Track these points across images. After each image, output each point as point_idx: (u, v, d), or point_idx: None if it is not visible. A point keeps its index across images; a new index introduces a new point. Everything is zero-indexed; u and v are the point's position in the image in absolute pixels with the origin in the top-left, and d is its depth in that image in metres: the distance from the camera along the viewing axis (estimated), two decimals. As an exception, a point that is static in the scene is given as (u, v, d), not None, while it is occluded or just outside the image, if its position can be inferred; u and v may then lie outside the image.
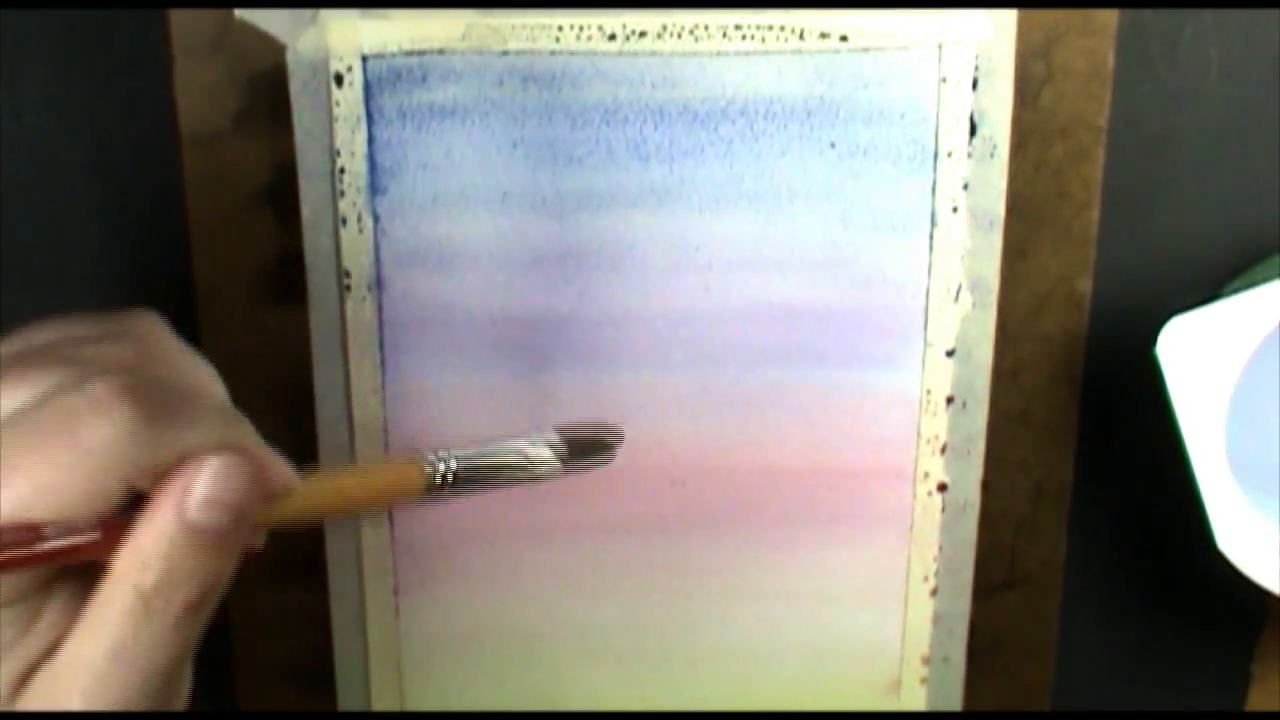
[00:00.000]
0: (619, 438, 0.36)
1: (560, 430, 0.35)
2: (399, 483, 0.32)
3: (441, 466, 0.33)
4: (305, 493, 0.30)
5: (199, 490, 0.27)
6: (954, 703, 0.51)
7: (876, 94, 0.44)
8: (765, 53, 0.44)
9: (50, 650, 0.28)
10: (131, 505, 0.28)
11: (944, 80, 0.44)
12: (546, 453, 0.35)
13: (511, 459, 0.34)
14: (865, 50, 0.44)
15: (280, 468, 0.29)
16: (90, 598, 0.28)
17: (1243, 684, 0.53)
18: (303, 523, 0.31)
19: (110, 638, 0.27)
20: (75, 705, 0.27)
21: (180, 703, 0.29)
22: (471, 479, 0.33)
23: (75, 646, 0.27)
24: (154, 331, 0.30)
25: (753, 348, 0.47)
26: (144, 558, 0.27)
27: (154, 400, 0.27)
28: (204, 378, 0.30)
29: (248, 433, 0.29)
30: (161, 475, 0.27)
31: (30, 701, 0.28)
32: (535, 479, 0.34)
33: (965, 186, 0.45)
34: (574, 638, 0.50)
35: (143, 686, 0.27)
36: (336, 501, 0.32)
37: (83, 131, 0.45)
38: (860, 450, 0.48)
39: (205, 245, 0.45)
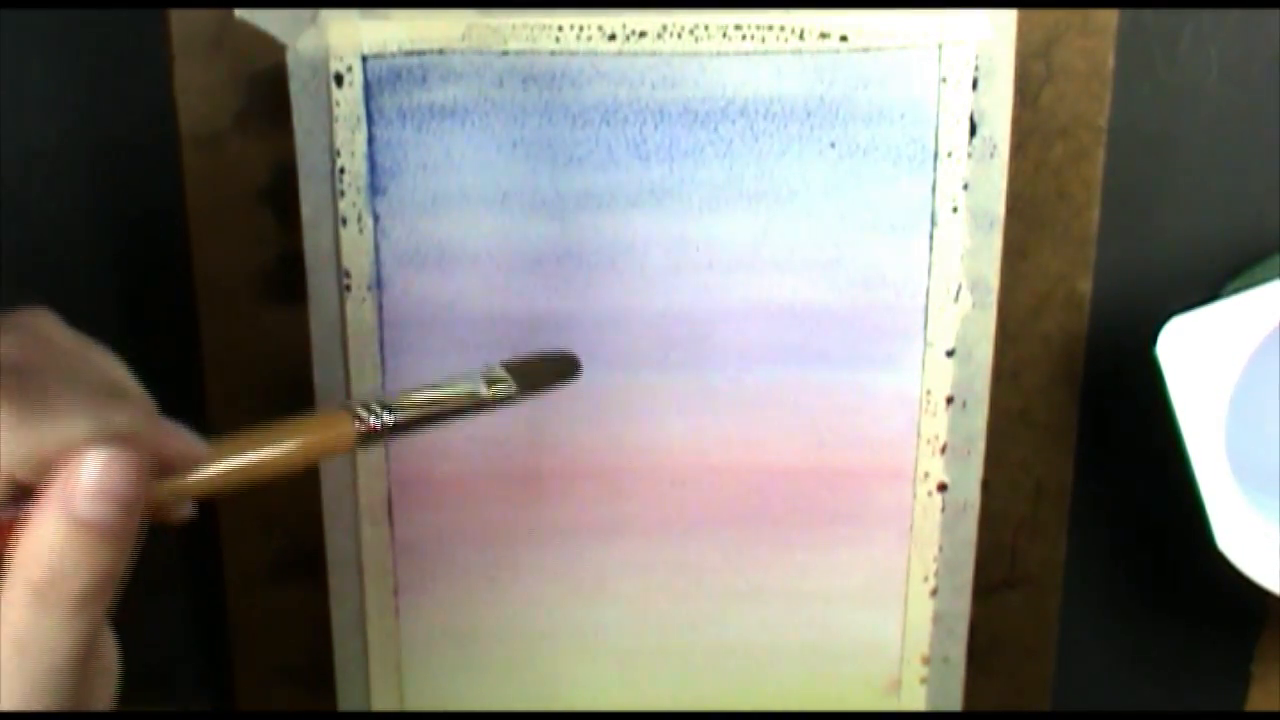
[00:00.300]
0: (572, 363, 0.37)
1: (506, 363, 0.36)
2: (330, 439, 0.33)
3: (373, 420, 0.33)
4: (225, 459, 0.31)
5: (83, 484, 0.28)
6: (954, 703, 0.51)
7: (876, 94, 0.44)
8: (765, 53, 0.44)
9: None
10: (21, 498, 0.28)
11: (944, 80, 0.44)
12: (495, 384, 0.35)
13: (455, 396, 0.35)
14: (865, 50, 0.44)
15: (182, 443, 0.30)
16: None
17: (1243, 684, 0.53)
18: (232, 488, 0.32)
19: (8, 632, 0.27)
20: None
21: (101, 696, 0.30)
22: (411, 424, 0.34)
23: None
24: (40, 325, 0.31)
25: (753, 348, 0.47)
26: (34, 552, 0.28)
27: (26, 394, 0.28)
28: (98, 366, 0.31)
29: (140, 415, 0.29)
30: (44, 467, 0.28)
31: None
32: (484, 408, 0.35)
33: (965, 186, 0.45)
34: (574, 638, 0.50)
35: (46, 678, 0.28)
36: (263, 465, 0.32)
37: (83, 131, 0.45)
38: (860, 450, 0.48)
39: (205, 245, 0.45)
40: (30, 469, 0.28)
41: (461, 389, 0.35)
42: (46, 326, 0.31)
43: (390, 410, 0.33)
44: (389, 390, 0.35)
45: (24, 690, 0.28)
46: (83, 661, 0.29)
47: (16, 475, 0.28)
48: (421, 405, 0.34)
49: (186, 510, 0.32)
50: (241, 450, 0.32)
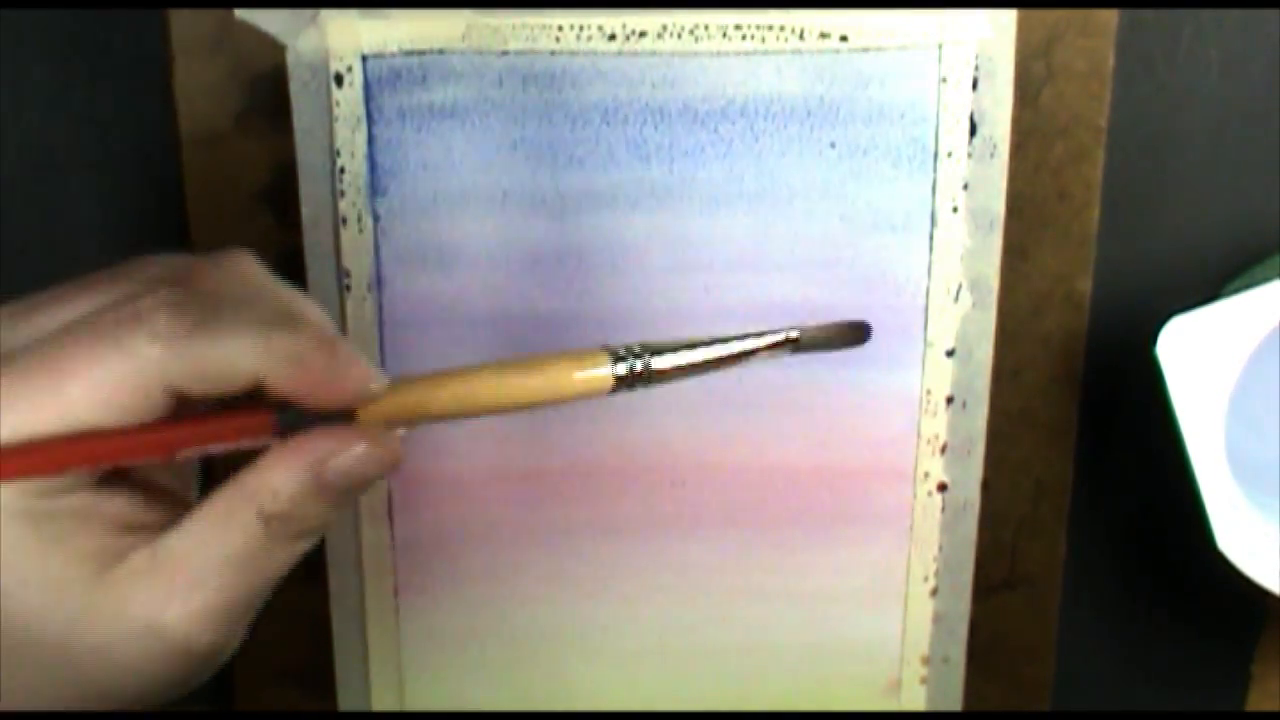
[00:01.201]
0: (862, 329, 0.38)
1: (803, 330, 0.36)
2: (581, 383, 0.33)
3: (626, 368, 0.33)
4: (460, 388, 0.32)
5: (341, 462, 0.31)
6: (954, 703, 0.51)
7: (876, 94, 0.44)
8: (765, 53, 0.44)
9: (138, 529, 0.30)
10: (180, 408, 0.30)
11: (944, 80, 0.44)
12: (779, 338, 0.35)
13: (730, 349, 0.35)
14: (865, 50, 0.44)
15: (358, 372, 0.31)
16: (206, 505, 0.30)
17: (1243, 684, 0.53)
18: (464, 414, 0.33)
19: (227, 544, 0.30)
20: (171, 595, 0.30)
21: (241, 632, 0.32)
22: (678, 373, 0.34)
23: (187, 543, 0.30)
24: (234, 261, 0.32)
25: (753, 348, 0.47)
26: (274, 488, 0.30)
27: (195, 311, 0.29)
28: (280, 298, 0.32)
29: (309, 344, 0.30)
30: (206, 381, 0.29)
31: (119, 581, 0.29)
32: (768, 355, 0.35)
33: (965, 186, 0.45)
34: (574, 638, 0.50)
35: (245, 593, 0.31)
36: (505, 398, 0.33)
37: (83, 131, 0.45)
38: (860, 450, 0.48)
39: (205, 245, 0.45)
40: (192, 380, 0.29)
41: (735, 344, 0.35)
42: (240, 262, 0.33)
43: (654, 353, 0.33)
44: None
45: (226, 600, 0.30)
46: (271, 590, 0.31)
47: (177, 384, 0.29)
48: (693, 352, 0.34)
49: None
50: (485, 380, 0.33)
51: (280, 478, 0.30)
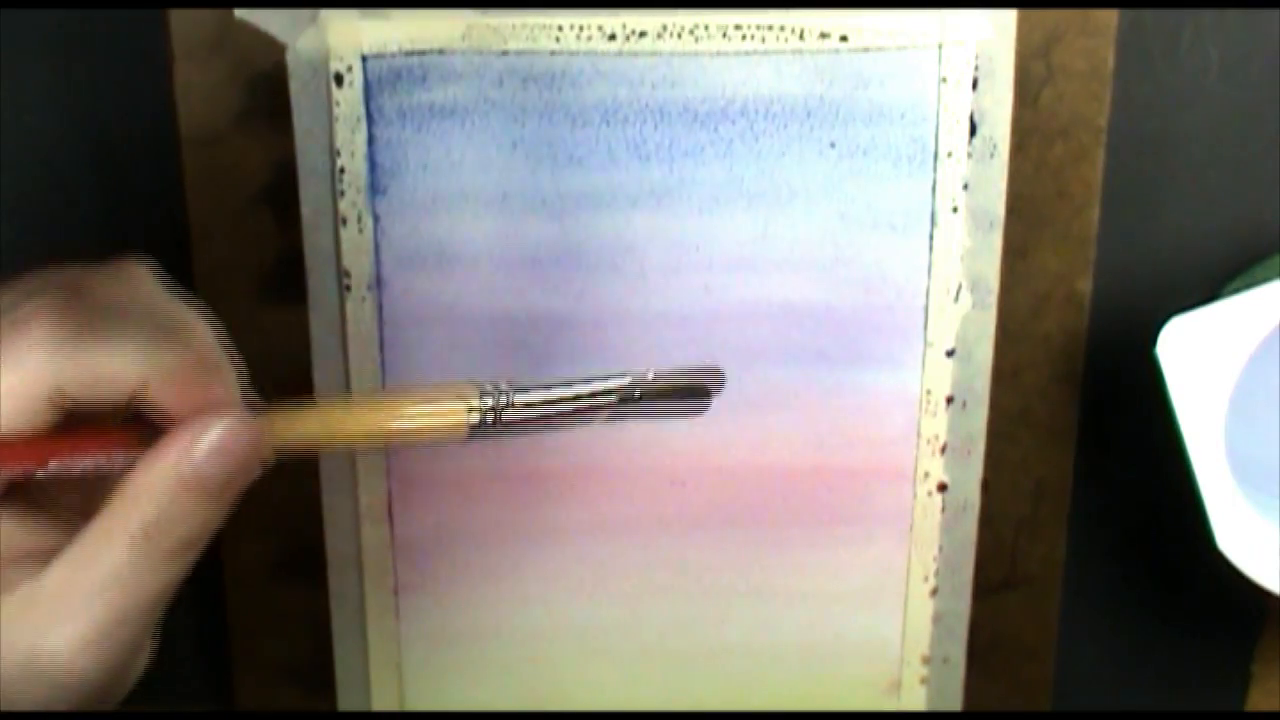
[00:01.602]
0: (717, 380, 0.37)
1: (656, 374, 0.36)
2: (439, 427, 0.33)
3: (490, 413, 0.33)
4: (317, 423, 0.32)
5: (202, 446, 0.30)
6: (954, 703, 0.51)
7: (876, 94, 0.44)
8: (765, 53, 0.44)
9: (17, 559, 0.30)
10: (67, 413, 0.29)
11: (944, 80, 0.44)
12: (625, 392, 0.35)
13: (582, 398, 0.34)
14: (865, 50, 0.44)
15: (219, 394, 0.31)
16: (86, 527, 0.30)
17: (1243, 684, 0.53)
18: (319, 450, 0.33)
19: (107, 564, 0.29)
20: (59, 624, 0.29)
21: (145, 652, 0.32)
22: (529, 423, 0.33)
23: (67, 568, 0.29)
24: (128, 270, 0.32)
25: (753, 348, 0.47)
26: (141, 498, 0.29)
27: (77, 319, 0.29)
28: (166, 311, 0.31)
29: (191, 362, 0.30)
30: (90, 387, 0.29)
31: (3, 611, 0.29)
32: (608, 418, 0.35)
33: (965, 186, 0.45)
34: (574, 638, 0.50)
35: (129, 615, 0.30)
36: (363, 433, 0.33)
37: (83, 131, 0.45)
38: (860, 450, 0.48)
39: (205, 245, 0.45)
40: (75, 386, 0.29)
41: (586, 389, 0.35)
42: (132, 273, 0.32)
43: (510, 404, 0.33)
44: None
45: (103, 623, 0.29)
46: (160, 607, 0.31)
47: (60, 390, 0.29)
48: (547, 402, 0.34)
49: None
50: (344, 417, 0.33)
51: (146, 483, 0.30)
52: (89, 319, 0.29)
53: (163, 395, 0.30)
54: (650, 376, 0.36)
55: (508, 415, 0.33)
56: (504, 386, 0.33)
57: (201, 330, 0.32)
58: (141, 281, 0.32)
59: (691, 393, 0.37)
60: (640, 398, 0.35)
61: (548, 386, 0.34)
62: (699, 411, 0.37)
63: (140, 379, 0.29)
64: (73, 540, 0.30)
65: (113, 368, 0.29)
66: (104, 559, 0.29)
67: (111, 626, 0.29)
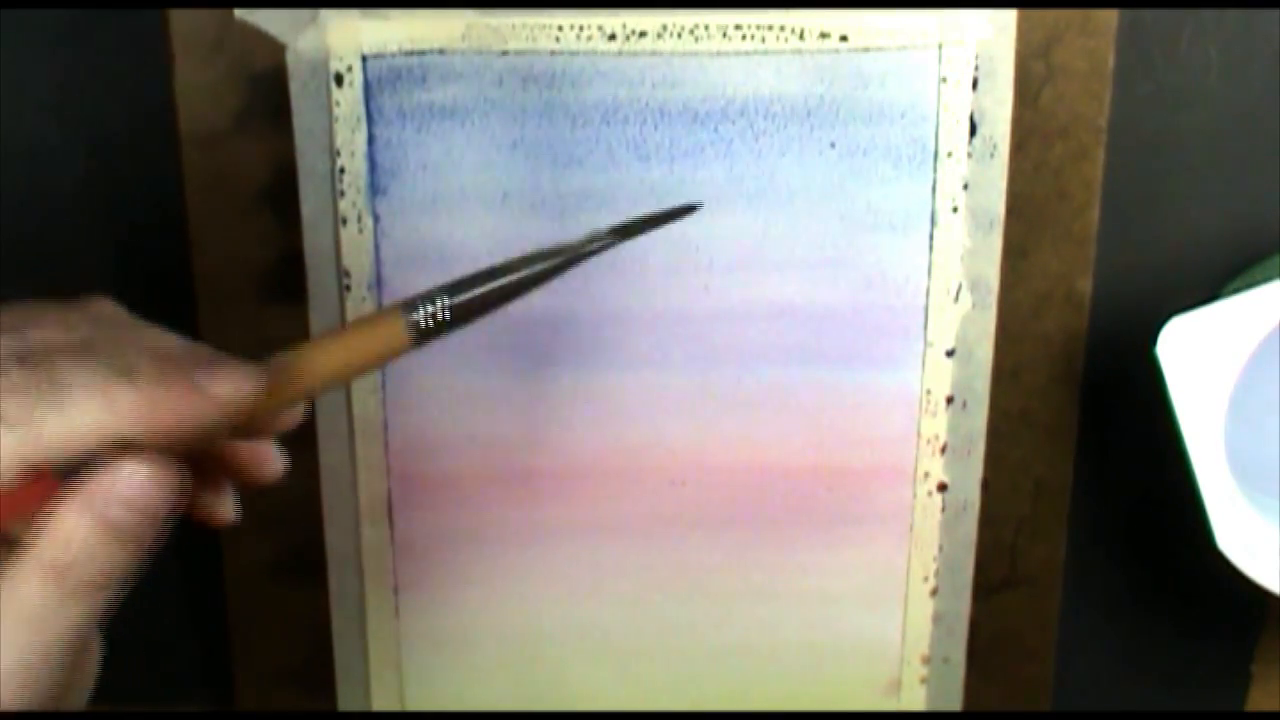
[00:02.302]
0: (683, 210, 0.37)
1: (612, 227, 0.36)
2: (385, 342, 0.33)
3: (424, 315, 0.33)
4: (285, 378, 0.32)
5: (115, 490, 0.30)
6: (954, 703, 0.51)
7: (876, 94, 0.44)
8: (765, 53, 0.44)
9: None
10: (33, 476, 0.30)
11: (944, 80, 0.44)
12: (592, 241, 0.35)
13: (532, 264, 0.35)
14: (865, 50, 0.44)
15: (223, 385, 0.31)
16: (4, 566, 0.30)
17: (1243, 684, 0.53)
18: (290, 401, 0.33)
19: (22, 607, 0.29)
20: None
21: (86, 681, 0.32)
22: (483, 306, 0.34)
23: None
24: (92, 305, 0.32)
25: (753, 348, 0.47)
26: (56, 538, 0.30)
27: (33, 385, 0.29)
28: (130, 342, 0.31)
29: (151, 395, 0.30)
30: (54, 451, 0.29)
31: None
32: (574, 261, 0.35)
33: (965, 186, 0.45)
34: (574, 638, 0.50)
35: (43, 652, 0.30)
36: (321, 377, 0.33)
37: (83, 131, 0.45)
38: (860, 450, 0.48)
39: (205, 245, 0.45)
40: (41, 452, 0.29)
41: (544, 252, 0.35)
42: (94, 306, 0.32)
43: (452, 293, 0.34)
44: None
45: (20, 660, 0.29)
46: (79, 644, 0.30)
47: (29, 458, 0.29)
48: (493, 275, 0.34)
49: (294, 417, 0.35)
50: (301, 364, 0.33)
51: (64, 525, 0.30)
52: (47, 381, 0.29)
53: (142, 434, 0.30)
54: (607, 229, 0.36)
55: (449, 314, 0.34)
56: (437, 296, 0.34)
57: (169, 348, 0.32)
58: (104, 315, 0.32)
59: (665, 218, 0.38)
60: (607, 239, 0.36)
61: (492, 275, 0.34)
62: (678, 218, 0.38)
63: (105, 430, 0.29)
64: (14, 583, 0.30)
65: (74, 431, 0.29)
66: (21, 598, 0.29)
67: (28, 664, 0.29)
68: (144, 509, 0.30)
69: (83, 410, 0.29)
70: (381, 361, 0.34)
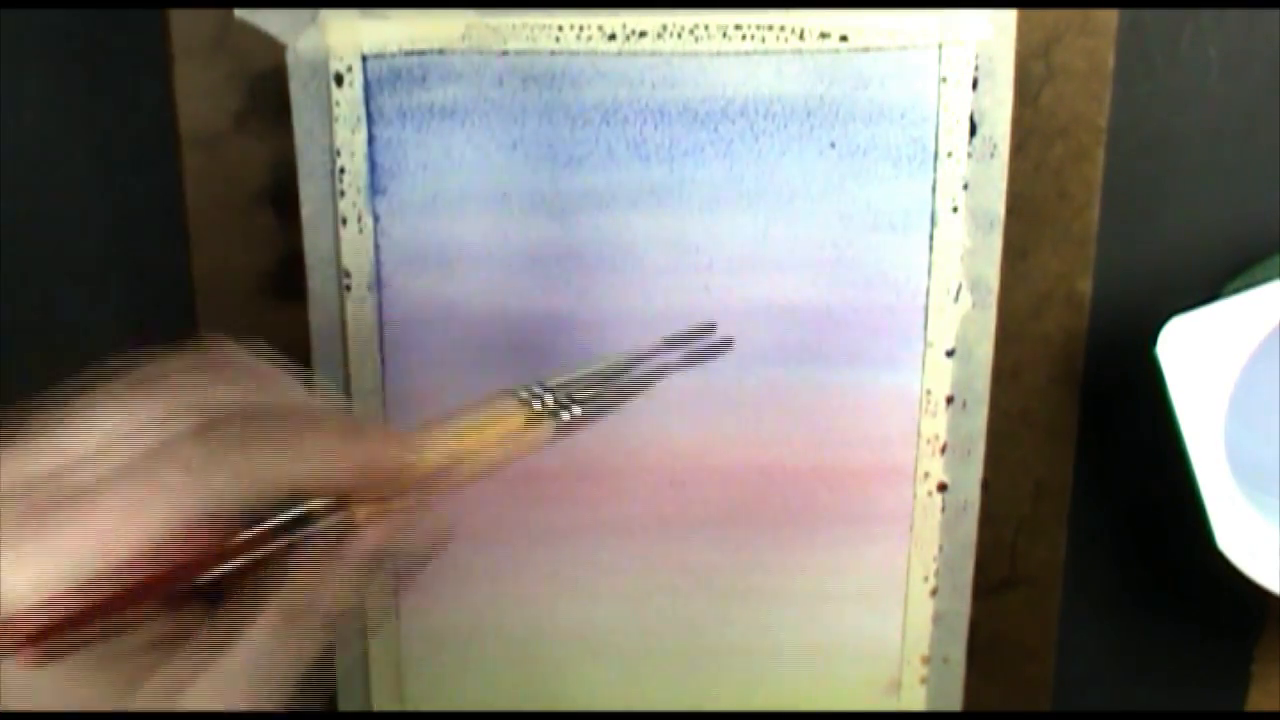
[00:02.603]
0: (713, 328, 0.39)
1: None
2: (522, 440, 0.35)
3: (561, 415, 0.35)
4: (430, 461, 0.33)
5: (363, 543, 0.32)
6: (954, 703, 0.51)
7: (876, 94, 0.44)
8: (765, 53, 0.44)
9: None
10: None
11: (944, 80, 0.44)
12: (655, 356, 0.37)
13: (623, 369, 0.36)
14: (865, 50, 0.44)
15: (398, 456, 0.33)
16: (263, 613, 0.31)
17: (1243, 684, 0.53)
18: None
19: (255, 648, 0.31)
20: (200, 704, 0.30)
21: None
22: (594, 409, 0.35)
23: (252, 654, 0.31)
24: (238, 362, 0.33)
25: (753, 348, 0.47)
26: (336, 584, 0.32)
27: (218, 440, 0.29)
28: (282, 395, 0.33)
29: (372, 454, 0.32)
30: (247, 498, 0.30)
31: (145, 695, 0.30)
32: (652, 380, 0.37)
33: (965, 186, 0.45)
34: (574, 638, 0.50)
35: (273, 685, 0.32)
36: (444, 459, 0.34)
37: (83, 131, 0.45)
38: (860, 450, 0.48)
39: (205, 245, 0.45)
40: (227, 503, 0.29)
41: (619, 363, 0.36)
42: (244, 361, 0.34)
43: (574, 402, 0.35)
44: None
45: (246, 698, 0.31)
46: (298, 671, 0.33)
47: (217, 510, 0.29)
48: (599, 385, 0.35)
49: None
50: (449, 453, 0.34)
51: (337, 572, 0.32)
52: (231, 439, 0.30)
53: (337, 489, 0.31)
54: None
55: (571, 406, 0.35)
56: (538, 389, 0.35)
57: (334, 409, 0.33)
58: (267, 378, 0.33)
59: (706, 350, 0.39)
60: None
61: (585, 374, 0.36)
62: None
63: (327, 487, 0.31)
64: (255, 624, 0.31)
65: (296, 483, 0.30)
66: (250, 644, 0.31)
67: (252, 703, 0.31)
68: (383, 556, 0.32)
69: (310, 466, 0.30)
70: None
